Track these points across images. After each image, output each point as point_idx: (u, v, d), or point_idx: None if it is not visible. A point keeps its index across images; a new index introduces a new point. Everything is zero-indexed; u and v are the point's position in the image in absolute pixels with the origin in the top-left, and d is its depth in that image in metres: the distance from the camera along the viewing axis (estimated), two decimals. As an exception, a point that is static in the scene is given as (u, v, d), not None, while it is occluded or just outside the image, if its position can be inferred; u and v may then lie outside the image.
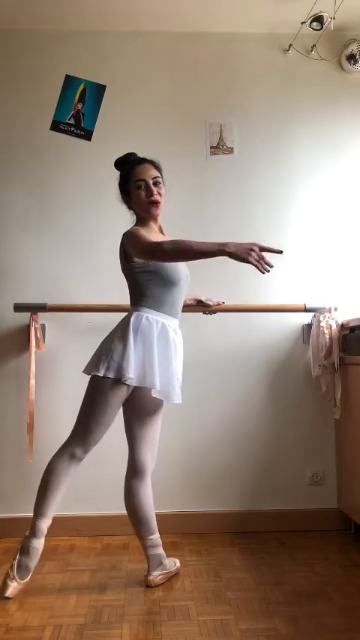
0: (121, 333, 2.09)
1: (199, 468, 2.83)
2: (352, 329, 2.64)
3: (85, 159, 2.93)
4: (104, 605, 1.99)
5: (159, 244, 1.98)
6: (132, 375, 2.03)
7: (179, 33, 2.98)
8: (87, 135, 2.94)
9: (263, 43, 3.02)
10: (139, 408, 2.19)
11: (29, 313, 2.72)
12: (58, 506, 2.09)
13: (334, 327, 2.70)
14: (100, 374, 2.05)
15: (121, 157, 2.26)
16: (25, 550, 2.03)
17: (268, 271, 1.95)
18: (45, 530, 2.07)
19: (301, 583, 2.16)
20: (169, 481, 2.80)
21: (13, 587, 2.01)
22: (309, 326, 2.88)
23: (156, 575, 2.16)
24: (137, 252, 2.08)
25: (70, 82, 2.94)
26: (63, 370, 2.81)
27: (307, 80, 3.01)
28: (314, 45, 2.97)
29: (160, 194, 2.18)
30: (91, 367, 2.11)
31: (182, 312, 2.67)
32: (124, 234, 2.14)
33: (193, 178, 2.94)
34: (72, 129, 2.93)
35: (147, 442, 2.20)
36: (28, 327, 2.72)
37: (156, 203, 2.18)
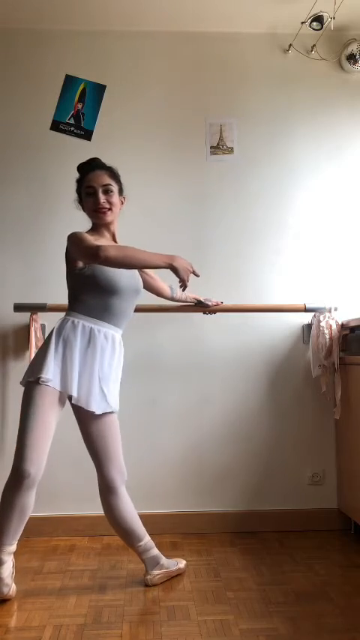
0: (46, 339, 2.10)
1: (199, 468, 2.83)
2: (352, 329, 2.64)
3: (85, 159, 2.91)
4: (104, 605, 1.99)
5: (102, 247, 1.97)
6: (50, 376, 1.99)
7: (179, 33, 2.98)
8: (87, 135, 2.93)
9: (263, 43, 3.02)
10: (88, 426, 2.11)
11: (29, 313, 2.72)
12: (17, 533, 1.99)
13: (334, 327, 2.70)
14: (23, 382, 2.07)
15: (83, 162, 2.27)
16: None
17: (186, 286, 2.12)
18: (7, 558, 1.99)
19: (301, 583, 2.16)
20: (170, 481, 2.80)
21: None
22: (309, 326, 2.88)
23: (154, 575, 2.17)
24: (80, 254, 2.05)
25: (70, 81, 2.93)
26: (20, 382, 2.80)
27: (307, 80, 3.01)
28: (314, 45, 2.97)
29: (109, 202, 2.17)
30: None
31: (182, 312, 2.68)
32: (67, 237, 2.12)
33: (193, 178, 2.94)
34: (72, 129, 2.93)
35: (108, 458, 2.11)
36: (28, 327, 2.72)
37: (102, 210, 2.16)
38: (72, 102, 2.93)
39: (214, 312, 2.69)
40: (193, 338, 2.86)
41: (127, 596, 2.06)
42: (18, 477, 1.97)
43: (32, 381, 2.03)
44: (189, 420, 2.83)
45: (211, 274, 2.88)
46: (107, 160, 2.88)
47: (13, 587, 2.03)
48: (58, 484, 2.77)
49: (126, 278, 2.15)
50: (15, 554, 2.51)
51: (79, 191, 2.25)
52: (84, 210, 2.25)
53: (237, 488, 2.83)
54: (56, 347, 2.04)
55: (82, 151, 2.91)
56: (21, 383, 2.11)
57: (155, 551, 2.20)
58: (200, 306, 2.64)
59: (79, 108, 2.94)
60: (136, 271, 2.25)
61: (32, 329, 2.69)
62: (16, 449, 2.02)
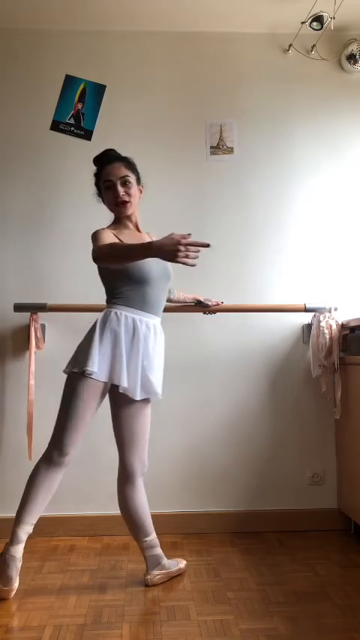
0: (90, 330, 2.12)
1: (199, 468, 2.83)
2: (352, 329, 2.64)
3: (85, 159, 2.90)
4: (104, 605, 1.99)
5: (102, 249, 1.98)
6: (97, 368, 2.03)
7: (179, 33, 2.98)
8: (87, 135, 2.93)
9: (263, 43, 3.02)
10: (120, 410, 2.16)
11: (29, 313, 2.72)
12: (39, 513, 2.07)
13: (334, 327, 2.70)
14: (67, 370, 2.09)
15: (98, 154, 2.27)
16: (2, 559, 2.02)
17: (195, 265, 1.84)
18: (23, 537, 2.04)
19: (301, 583, 2.16)
20: (170, 481, 2.80)
21: (2, 592, 2.01)
22: (309, 326, 2.88)
23: (154, 575, 2.17)
24: (92, 256, 2.05)
25: (70, 81, 2.94)
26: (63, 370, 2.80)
27: (307, 80, 3.01)
28: (314, 45, 2.97)
29: (128, 194, 2.18)
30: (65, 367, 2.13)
31: (182, 312, 2.68)
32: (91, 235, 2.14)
33: (193, 178, 2.94)
34: (72, 129, 2.93)
35: (133, 446, 2.16)
36: (28, 327, 2.72)
37: (122, 203, 2.18)
38: (72, 102, 2.93)
39: (214, 312, 2.70)
40: (193, 338, 2.86)
41: (127, 596, 2.06)
42: (55, 457, 2.06)
43: (77, 372, 2.05)
44: (189, 420, 2.83)
45: (211, 274, 2.88)
46: (107, 160, 2.89)
47: (16, 584, 2.03)
48: (59, 484, 2.76)
49: (156, 266, 2.16)
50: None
51: (97, 185, 2.25)
52: (104, 204, 2.26)
53: (237, 489, 2.83)
54: (101, 339, 2.07)
55: (82, 150, 2.92)
56: (64, 371, 2.12)
57: (159, 551, 2.20)
58: (200, 307, 2.64)
59: (79, 108, 2.94)
60: None
61: (32, 329, 2.69)
62: (56, 432, 2.09)
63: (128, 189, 2.18)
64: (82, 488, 2.75)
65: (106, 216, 2.83)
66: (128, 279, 2.12)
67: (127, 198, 2.18)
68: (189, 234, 1.83)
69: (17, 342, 2.82)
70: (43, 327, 2.79)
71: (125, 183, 2.18)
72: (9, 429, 2.79)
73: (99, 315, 2.16)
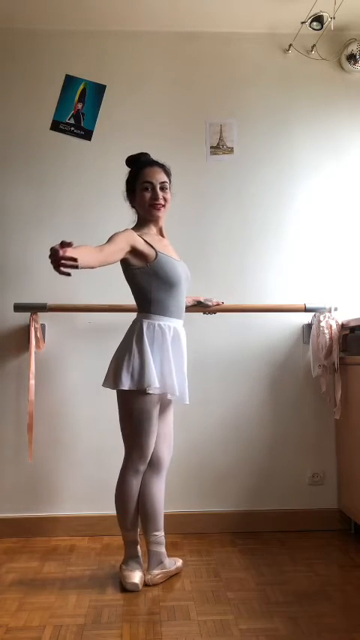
0: (137, 343, 2.12)
1: (199, 468, 2.83)
2: (352, 329, 2.64)
3: (85, 159, 2.93)
4: (104, 605, 1.99)
5: (98, 250, 2.02)
6: (158, 384, 2.09)
7: (179, 33, 2.98)
8: (87, 135, 2.93)
9: (263, 43, 3.02)
10: (162, 411, 2.25)
11: (29, 313, 2.72)
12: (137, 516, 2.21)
13: (334, 327, 2.70)
14: (126, 387, 2.09)
15: (134, 155, 2.29)
16: (130, 558, 2.19)
17: (69, 274, 1.83)
18: (138, 538, 2.21)
19: (301, 583, 2.16)
20: (170, 481, 2.79)
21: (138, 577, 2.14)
22: (309, 326, 2.87)
23: (155, 574, 2.17)
24: None
25: (70, 81, 2.93)
26: (63, 370, 2.80)
27: (307, 80, 3.01)
28: (314, 45, 2.97)
29: (165, 199, 2.22)
30: (115, 381, 2.13)
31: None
32: None
33: (193, 178, 2.94)
34: (72, 129, 2.93)
35: (163, 437, 2.26)
36: (28, 327, 2.72)
37: (158, 206, 2.20)
38: (72, 102, 2.93)
39: (214, 312, 2.70)
40: (193, 338, 2.85)
41: (127, 596, 2.06)
42: (142, 468, 2.18)
43: (137, 390, 2.10)
44: (189, 420, 2.82)
45: (211, 274, 2.88)
46: (107, 160, 2.90)
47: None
48: (59, 484, 2.77)
49: (181, 268, 2.23)
50: (15, 553, 2.53)
51: (132, 185, 2.25)
52: (131, 203, 2.28)
53: (237, 489, 2.83)
54: (153, 353, 2.11)
55: (82, 150, 2.92)
56: (113, 387, 2.14)
57: (163, 549, 2.22)
58: (200, 307, 2.64)
59: (79, 108, 2.94)
60: (182, 261, 2.30)
61: (32, 329, 2.69)
62: (136, 447, 2.16)
63: (165, 194, 2.23)
64: (82, 488, 2.75)
65: (106, 216, 2.84)
66: (160, 282, 2.16)
67: (163, 202, 2.22)
68: (61, 244, 1.80)
69: (17, 342, 2.82)
70: (43, 327, 2.79)
71: (163, 188, 2.22)
72: (9, 429, 2.79)
73: (134, 323, 2.18)
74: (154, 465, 2.23)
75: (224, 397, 2.86)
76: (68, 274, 1.81)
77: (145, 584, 2.15)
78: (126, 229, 2.17)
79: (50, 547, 2.61)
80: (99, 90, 2.94)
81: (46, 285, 2.83)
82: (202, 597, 2.04)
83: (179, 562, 2.30)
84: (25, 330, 2.78)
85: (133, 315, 2.24)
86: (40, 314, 2.75)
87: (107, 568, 2.35)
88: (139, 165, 2.24)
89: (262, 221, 2.95)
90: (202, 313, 2.70)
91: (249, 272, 2.93)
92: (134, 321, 2.20)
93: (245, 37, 3.00)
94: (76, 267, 1.80)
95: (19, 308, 2.72)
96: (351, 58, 2.95)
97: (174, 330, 2.18)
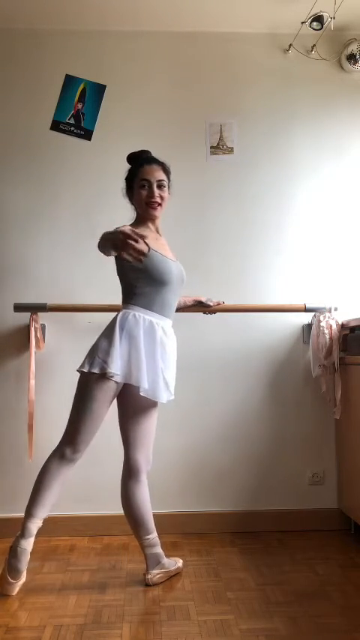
0: (107, 330, 2.12)
1: (199, 467, 2.83)
2: (352, 329, 2.64)
3: (85, 158, 2.93)
4: (104, 605, 1.99)
5: (103, 235, 2.00)
6: (117, 370, 2.04)
7: (179, 33, 2.98)
8: (87, 135, 2.94)
9: (263, 43, 3.02)
10: (130, 408, 2.19)
11: (29, 313, 2.72)
12: (49, 507, 2.10)
13: (334, 327, 2.70)
14: (85, 370, 2.08)
15: (134, 152, 2.30)
16: (12, 551, 2.05)
17: (141, 260, 1.91)
18: (34, 531, 2.08)
19: (301, 583, 2.16)
20: (169, 481, 2.80)
21: (9, 586, 2.03)
22: (309, 326, 2.88)
23: (154, 574, 2.17)
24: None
25: (70, 81, 2.93)
26: (63, 370, 2.80)
27: (307, 80, 3.01)
28: (314, 45, 2.97)
29: (161, 197, 2.22)
30: (80, 365, 2.13)
31: (182, 312, 2.68)
32: None
33: (193, 178, 2.94)
34: (72, 129, 2.93)
35: (140, 443, 2.19)
36: (28, 327, 2.72)
37: (154, 204, 2.21)
38: (72, 102, 2.93)
39: (214, 312, 2.70)
40: (193, 338, 2.86)
41: (127, 596, 2.06)
42: (68, 454, 2.10)
43: (95, 373, 2.05)
44: (189, 420, 2.83)
45: (211, 274, 2.88)
46: (107, 160, 2.90)
47: (23, 579, 2.07)
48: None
49: (175, 268, 2.22)
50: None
51: (130, 182, 2.26)
52: (130, 200, 2.29)
53: (237, 488, 2.83)
54: (121, 340, 2.08)
55: (82, 150, 2.92)
56: (79, 370, 2.12)
57: (159, 549, 2.21)
58: (201, 307, 2.64)
59: (79, 108, 2.94)
60: (179, 262, 2.29)
61: (32, 329, 2.69)
62: (70, 430, 2.11)
63: (162, 193, 2.23)
64: (82, 488, 2.75)
65: (106, 216, 2.84)
66: (149, 279, 2.15)
67: (159, 201, 2.22)
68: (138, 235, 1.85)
69: (17, 342, 2.82)
70: (43, 327, 2.79)
71: (161, 186, 2.22)
72: (9, 429, 2.79)
73: (115, 315, 2.16)
74: (131, 471, 2.17)
75: (224, 397, 2.86)
76: (139, 260, 1.88)
77: (146, 585, 2.15)
78: (124, 225, 2.16)
79: (50, 547, 2.61)
80: (99, 90, 2.94)
81: (46, 285, 2.83)
82: (202, 597, 2.04)
83: (180, 562, 2.30)
84: (25, 330, 2.78)
85: None
86: (40, 314, 2.75)
87: (107, 568, 2.35)
88: (139, 163, 2.25)
89: (262, 221, 2.95)
90: (202, 313, 2.70)
91: (249, 272, 2.93)
92: (116, 314, 2.19)
93: (245, 37, 3.00)
94: (140, 260, 1.89)
95: (19, 308, 2.72)
96: (351, 58, 2.95)
97: (149, 322, 2.13)
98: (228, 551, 2.52)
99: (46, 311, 2.72)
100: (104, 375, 2.05)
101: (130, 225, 2.23)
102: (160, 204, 2.23)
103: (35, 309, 2.72)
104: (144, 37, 2.97)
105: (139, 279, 2.15)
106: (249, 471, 2.84)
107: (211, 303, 2.64)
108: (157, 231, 2.29)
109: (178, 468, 2.80)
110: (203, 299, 2.63)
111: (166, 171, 2.27)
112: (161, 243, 2.26)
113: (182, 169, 2.93)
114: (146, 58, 2.98)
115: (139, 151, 2.30)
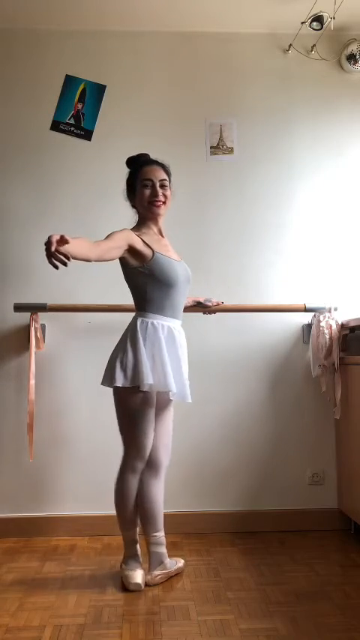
0: (130, 341, 2.13)
1: (199, 468, 2.83)
2: (352, 329, 2.64)
3: (85, 159, 2.93)
4: (104, 605, 1.99)
5: (96, 245, 1.98)
6: (151, 380, 2.08)
7: (179, 33, 2.98)
8: (87, 135, 2.94)
9: (263, 43, 3.02)
10: (160, 410, 2.26)
11: (29, 313, 2.72)
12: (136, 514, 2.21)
13: (334, 327, 2.70)
14: (120, 384, 2.09)
15: (133, 156, 2.30)
16: (130, 557, 2.20)
17: (57, 267, 1.77)
18: (137, 537, 2.23)
19: (301, 583, 2.16)
20: (170, 481, 2.78)
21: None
22: (309, 326, 2.88)
23: (155, 575, 2.17)
24: None
25: (70, 81, 2.93)
26: (63, 370, 2.81)
27: (307, 80, 3.01)
28: (314, 45, 2.97)
29: (165, 196, 2.23)
30: (109, 379, 2.14)
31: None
32: None
33: (193, 178, 2.94)
34: (72, 129, 2.93)
35: (160, 438, 2.24)
36: (28, 327, 2.72)
37: (158, 203, 2.21)
38: (72, 102, 2.93)
39: (214, 312, 2.70)
40: (193, 338, 2.84)
41: (127, 596, 2.06)
42: (139, 466, 2.18)
43: (132, 387, 2.10)
44: (189, 420, 2.82)
45: (212, 274, 2.88)
46: (107, 160, 2.90)
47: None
48: (59, 484, 2.77)
49: (180, 269, 2.23)
50: (15, 553, 2.53)
51: (132, 184, 2.26)
52: (131, 203, 2.29)
53: (237, 488, 2.83)
54: (146, 350, 2.11)
55: (82, 150, 2.92)
56: (108, 385, 2.15)
57: (164, 549, 2.22)
58: (200, 307, 2.64)
59: (79, 108, 2.94)
60: (183, 262, 2.31)
61: (32, 329, 2.69)
62: (132, 445, 2.17)
63: (165, 192, 2.23)
64: (83, 488, 2.75)
65: (106, 216, 2.84)
66: (156, 282, 2.16)
67: (163, 199, 2.23)
68: (60, 239, 1.75)
69: (17, 342, 2.82)
70: (43, 327, 2.79)
71: (163, 186, 2.23)
72: (9, 429, 2.79)
73: (130, 322, 2.19)
74: (151, 465, 2.22)
75: (224, 397, 2.86)
76: (56, 267, 1.78)
77: (146, 584, 2.15)
78: (124, 229, 2.16)
79: (50, 547, 2.61)
80: (99, 90, 2.94)
81: (46, 285, 2.83)
82: (202, 597, 2.04)
83: (180, 562, 2.30)
84: (25, 330, 2.78)
85: (133, 315, 2.25)
86: (40, 314, 2.75)
87: (107, 568, 2.35)
88: (139, 164, 2.25)
89: (262, 221, 2.95)
90: (202, 313, 2.70)
91: (249, 272, 2.93)
92: (131, 320, 2.21)
93: (245, 37, 3.00)
94: (65, 264, 1.76)
95: (19, 308, 2.72)
96: (351, 58, 2.95)
97: (168, 328, 2.17)
98: (228, 551, 2.52)
99: (46, 311, 2.72)
100: (139, 388, 2.09)
101: (132, 228, 2.23)
102: (164, 203, 2.23)
103: (35, 309, 2.72)
104: (144, 37, 2.97)
105: (147, 284, 2.16)
106: (249, 471, 2.84)
107: (210, 304, 2.64)
108: (160, 233, 2.29)
109: (178, 468, 2.80)
110: (202, 299, 2.63)
111: (167, 172, 2.27)
112: (164, 245, 2.26)
113: (182, 169, 2.93)
114: (146, 58, 2.98)
115: (138, 154, 2.30)
